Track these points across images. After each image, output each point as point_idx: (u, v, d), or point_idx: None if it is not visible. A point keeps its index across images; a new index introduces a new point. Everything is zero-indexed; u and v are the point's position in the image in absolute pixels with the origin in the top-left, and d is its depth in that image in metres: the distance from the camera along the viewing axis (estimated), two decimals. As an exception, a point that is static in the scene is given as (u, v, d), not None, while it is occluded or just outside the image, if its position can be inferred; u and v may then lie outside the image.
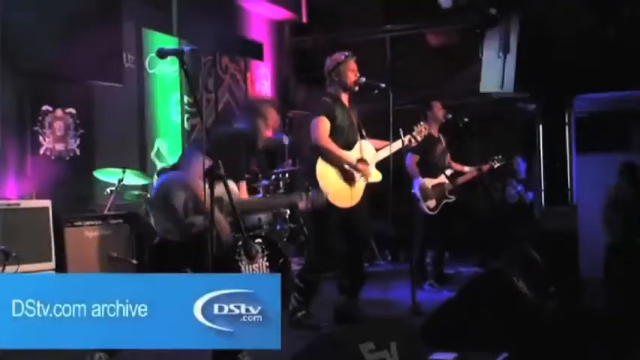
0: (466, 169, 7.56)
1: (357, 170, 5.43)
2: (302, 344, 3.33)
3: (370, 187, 5.57)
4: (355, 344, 3.23)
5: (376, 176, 5.58)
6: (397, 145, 5.60)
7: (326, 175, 5.33)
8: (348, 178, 5.40)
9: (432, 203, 7.14)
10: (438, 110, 7.27)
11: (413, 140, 5.70)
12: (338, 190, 5.34)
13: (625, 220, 7.14)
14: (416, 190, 7.10)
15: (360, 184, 5.48)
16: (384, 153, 5.57)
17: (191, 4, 8.62)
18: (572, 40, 7.81)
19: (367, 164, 5.50)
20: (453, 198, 7.24)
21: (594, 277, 6.55)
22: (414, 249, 7.16)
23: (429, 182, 7.16)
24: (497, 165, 7.62)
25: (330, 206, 5.26)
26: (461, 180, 7.43)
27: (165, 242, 4.00)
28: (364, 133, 5.63)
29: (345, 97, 5.55)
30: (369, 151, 5.56)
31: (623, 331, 4.36)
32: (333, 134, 5.37)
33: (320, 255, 5.49)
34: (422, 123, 5.85)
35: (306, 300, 5.49)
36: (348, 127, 5.48)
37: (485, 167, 7.58)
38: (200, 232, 3.84)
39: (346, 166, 5.39)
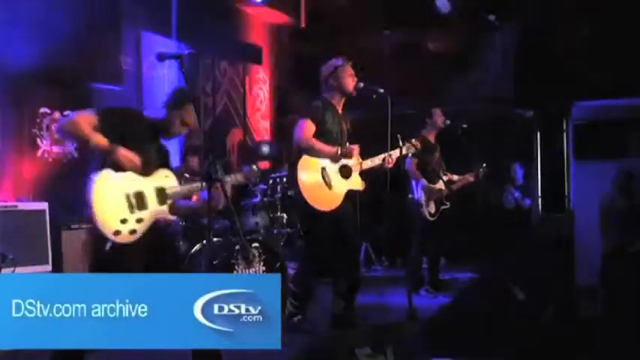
0: (455, 177, 7.54)
1: (343, 154, 5.32)
2: (298, 349, 3.34)
3: (369, 193, 5.54)
4: (352, 349, 3.24)
5: (358, 184, 5.45)
6: (379, 159, 5.48)
7: (306, 178, 5.25)
8: (328, 181, 5.29)
9: (432, 209, 7.15)
10: (438, 117, 7.26)
11: (403, 152, 5.65)
12: (318, 194, 5.26)
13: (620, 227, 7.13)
14: (418, 195, 7.09)
15: (341, 188, 5.35)
16: (370, 163, 5.48)
17: (190, 8, 8.63)
18: (570, 47, 7.84)
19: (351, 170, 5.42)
20: (448, 204, 7.25)
21: (590, 283, 6.55)
22: (411, 254, 7.16)
23: (431, 187, 7.16)
24: (483, 174, 7.62)
25: (313, 210, 5.23)
26: (455, 187, 7.43)
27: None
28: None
29: (339, 103, 5.50)
30: (355, 158, 5.47)
31: (618, 336, 4.37)
32: (322, 138, 5.30)
33: (310, 259, 5.47)
34: (413, 140, 5.77)
35: (302, 304, 5.47)
36: (338, 132, 5.42)
37: (474, 176, 7.55)
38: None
39: (330, 161, 5.31)
